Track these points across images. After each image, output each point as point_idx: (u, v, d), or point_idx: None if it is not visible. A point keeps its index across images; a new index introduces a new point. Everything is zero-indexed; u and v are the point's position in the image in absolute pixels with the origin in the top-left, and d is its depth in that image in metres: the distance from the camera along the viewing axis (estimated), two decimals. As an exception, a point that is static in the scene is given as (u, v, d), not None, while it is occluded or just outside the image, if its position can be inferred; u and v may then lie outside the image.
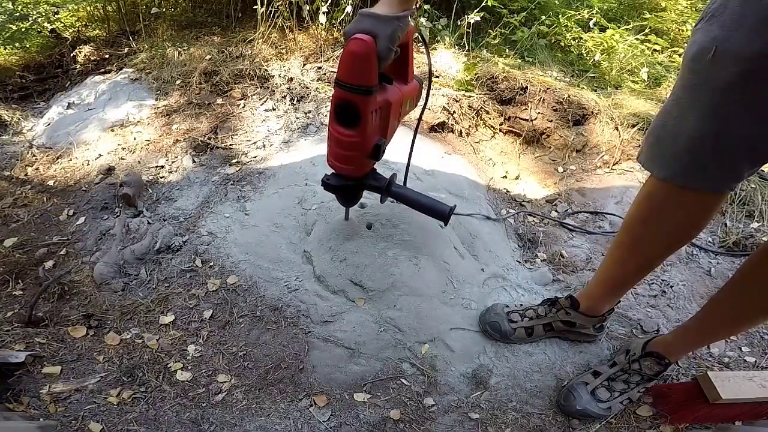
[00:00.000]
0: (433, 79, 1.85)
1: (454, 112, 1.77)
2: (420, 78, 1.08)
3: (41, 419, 0.87)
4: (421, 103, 1.13)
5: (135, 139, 1.63)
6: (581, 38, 2.32)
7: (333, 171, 1.00)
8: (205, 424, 0.91)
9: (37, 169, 1.58)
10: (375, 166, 1.03)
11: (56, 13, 2.32)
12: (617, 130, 1.79)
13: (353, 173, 0.98)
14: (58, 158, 1.61)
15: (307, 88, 1.80)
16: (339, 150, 0.93)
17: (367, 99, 0.83)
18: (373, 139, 0.91)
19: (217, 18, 2.31)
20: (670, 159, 0.73)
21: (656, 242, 0.85)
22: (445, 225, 1.01)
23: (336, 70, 0.92)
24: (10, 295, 1.13)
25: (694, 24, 0.68)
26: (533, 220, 1.54)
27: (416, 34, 0.97)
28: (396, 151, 1.27)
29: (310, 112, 1.73)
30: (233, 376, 1.00)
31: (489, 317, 1.12)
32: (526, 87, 1.84)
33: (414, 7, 0.84)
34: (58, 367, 0.97)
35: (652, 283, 1.31)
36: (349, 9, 1.85)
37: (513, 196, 1.64)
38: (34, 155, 1.64)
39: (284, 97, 1.78)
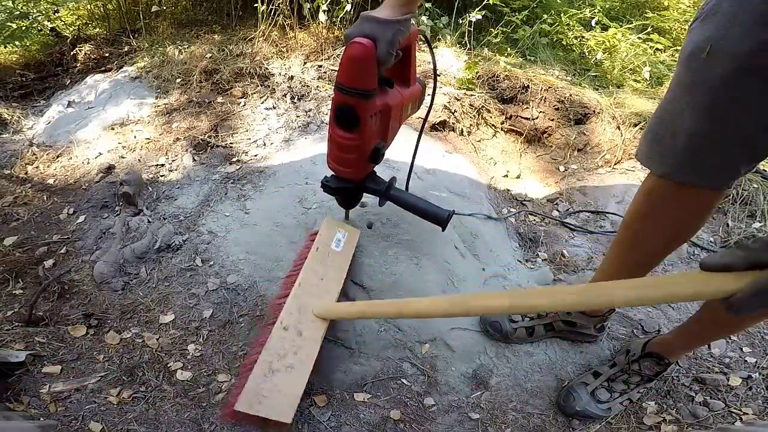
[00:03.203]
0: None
1: (455, 110, 1.76)
2: (423, 81, 1.08)
3: (41, 419, 0.87)
4: (427, 105, 1.13)
5: (135, 137, 1.63)
6: (583, 37, 2.31)
7: (333, 173, 0.99)
8: (205, 424, 0.91)
9: (37, 167, 1.58)
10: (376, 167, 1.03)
11: (56, 11, 2.31)
12: (619, 129, 1.79)
13: (352, 176, 0.97)
14: (58, 157, 1.61)
15: (308, 86, 1.80)
16: (338, 152, 0.93)
17: (366, 103, 0.83)
18: (372, 142, 0.91)
19: (218, 16, 2.31)
20: (668, 156, 0.74)
21: (655, 239, 0.85)
22: (443, 230, 1.01)
23: (336, 68, 0.92)
24: (10, 294, 1.13)
25: (690, 23, 0.69)
26: (534, 220, 1.54)
27: (420, 37, 0.97)
28: (398, 151, 1.27)
29: (310, 110, 1.73)
30: (233, 376, 1.00)
31: (490, 317, 1.11)
32: (528, 86, 1.83)
33: (416, 9, 0.84)
34: (58, 367, 0.97)
35: (654, 283, 1.31)
36: (349, 7, 1.84)
37: (514, 195, 1.63)
38: (34, 154, 1.64)
39: (285, 95, 1.77)
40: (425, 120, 1.12)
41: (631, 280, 0.54)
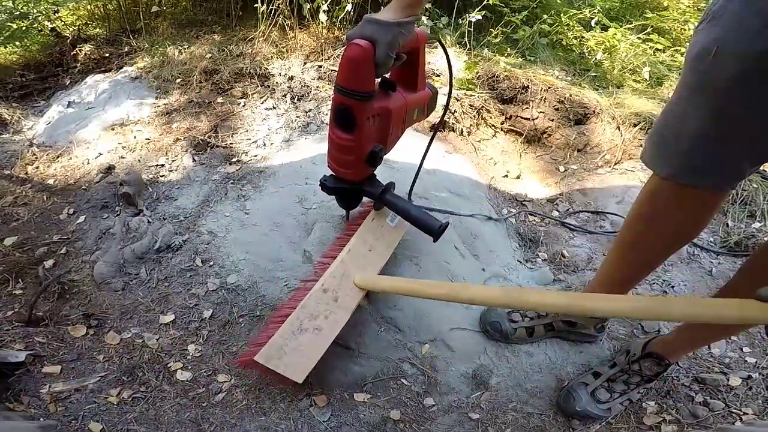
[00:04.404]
0: (434, 78, 1.84)
1: (455, 111, 1.76)
2: (434, 87, 1.08)
3: (41, 419, 0.87)
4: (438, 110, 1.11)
5: (135, 137, 1.63)
6: (583, 37, 2.31)
7: (332, 173, 1.00)
8: (205, 424, 0.91)
9: (37, 167, 1.58)
10: (378, 169, 1.03)
11: (56, 11, 2.31)
12: (619, 129, 1.79)
13: (350, 177, 0.97)
14: (58, 157, 1.60)
15: (308, 86, 1.80)
16: (336, 153, 0.93)
17: (362, 105, 0.83)
18: (369, 145, 0.91)
19: (218, 16, 2.31)
20: (673, 157, 0.74)
21: (657, 241, 0.85)
22: (435, 241, 1.01)
23: (336, 68, 0.92)
24: (10, 295, 1.13)
25: (696, 25, 0.69)
26: (534, 220, 1.54)
27: (436, 42, 0.97)
28: (399, 152, 1.27)
29: (310, 110, 1.73)
30: (233, 376, 1.00)
31: (490, 317, 1.12)
32: (528, 86, 1.83)
33: (419, 12, 0.84)
34: (58, 367, 0.97)
35: (653, 283, 1.31)
36: (349, 7, 1.84)
37: (514, 196, 1.63)
38: (34, 154, 1.64)
39: (285, 95, 1.77)
40: (436, 128, 1.12)
41: (688, 299, 0.55)
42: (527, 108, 1.84)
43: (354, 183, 0.99)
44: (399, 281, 0.99)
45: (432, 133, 1.11)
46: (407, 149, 1.32)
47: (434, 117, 1.14)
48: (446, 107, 1.09)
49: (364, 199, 1.11)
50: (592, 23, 2.27)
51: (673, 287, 1.30)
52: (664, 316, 0.55)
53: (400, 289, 0.95)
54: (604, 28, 2.27)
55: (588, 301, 0.62)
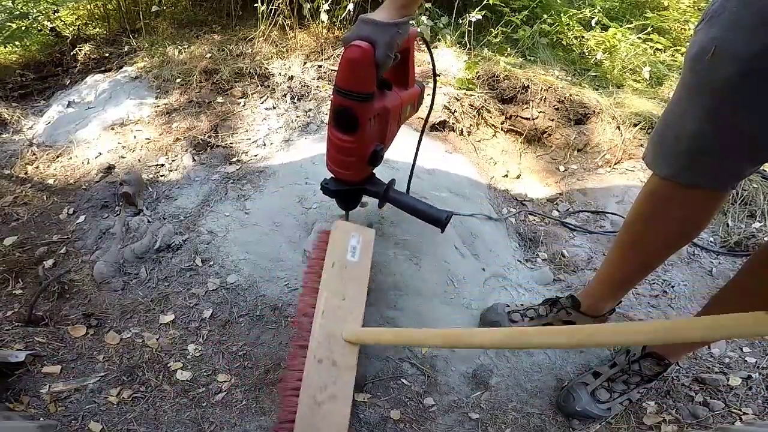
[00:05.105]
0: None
1: (455, 110, 1.76)
2: (422, 83, 1.09)
3: (41, 419, 0.87)
4: (426, 105, 1.13)
5: (135, 137, 1.63)
6: (583, 37, 2.31)
7: (332, 175, 1.00)
8: (205, 424, 0.91)
9: (37, 167, 1.58)
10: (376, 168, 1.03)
11: (56, 11, 2.31)
12: (619, 129, 1.79)
13: (351, 178, 0.98)
14: (58, 157, 1.61)
15: (308, 86, 1.80)
16: (337, 155, 0.93)
17: (364, 106, 0.83)
18: (371, 145, 0.91)
19: (218, 16, 2.31)
20: (672, 158, 0.74)
21: (657, 241, 0.85)
22: (442, 231, 1.01)
23: (336, 68, 0.92)
24: (9, 294, 1.13)
25: (696, 24, 0.69)
26: (534, 220, 1.54)
27: (419, 39, 0.97)
28: (398, 151, 1.27)
29: (310, 110, 1.73)
30: (233, 376, 1.00)
31: (490, 317, 1.12)
32: (528, 86, 1.83)
33: (415, 12, 0.84)
34: (58, 367, 0.97)
35: (654, 283, 1.31)
36: (350, 7, 1.84)
37: (514, 195, 1.63)
38: (34, 154, 1.64)
39: (285, 95, 1.77)
40: (425, 122, 1.12)
41: (705, 318, 0.52)
42: (527, 108, 1.84)
43: (355, 183, 0.99)
44: (387, 332, 0.99)
45: (422, 126, 1.11)
46: (406, 147, 1.32)
47: (425, 113, 1.14)
48: (432, 100, 1.09)
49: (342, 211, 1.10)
50: (592, 23, 2.27)
51: (673, 287, 1.30)
52: (685, 338, 0.53)
53: (388, 341, 0.94)
54: (604, 28, 2.27)
55: (594, 336, 0.59)
